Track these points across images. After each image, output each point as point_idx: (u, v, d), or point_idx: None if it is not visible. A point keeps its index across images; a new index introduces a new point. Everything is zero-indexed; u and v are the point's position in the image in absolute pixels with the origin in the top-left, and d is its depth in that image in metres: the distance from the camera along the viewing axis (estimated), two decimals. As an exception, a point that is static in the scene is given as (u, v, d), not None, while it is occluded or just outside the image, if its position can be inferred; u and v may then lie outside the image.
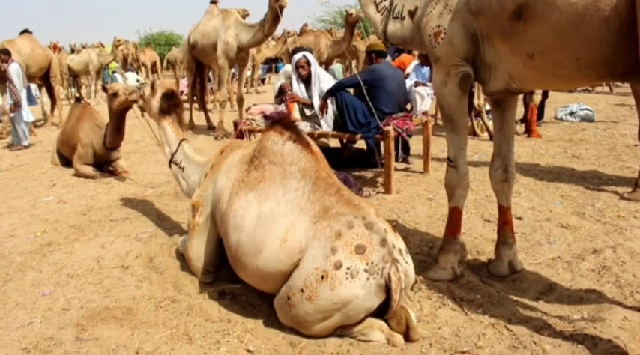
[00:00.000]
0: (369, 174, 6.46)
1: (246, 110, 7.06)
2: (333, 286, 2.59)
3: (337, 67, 16.98)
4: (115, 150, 6.71)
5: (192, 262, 3.56)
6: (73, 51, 18.93)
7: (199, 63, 10.39)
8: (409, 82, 6.98)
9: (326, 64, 13.23)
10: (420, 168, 6.49)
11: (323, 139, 6.70)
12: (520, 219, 4.53)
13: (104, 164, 6.81)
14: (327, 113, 6.10)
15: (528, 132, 8.50)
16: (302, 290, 2.66)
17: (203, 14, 9.80)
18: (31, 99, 9.61)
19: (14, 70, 9.11)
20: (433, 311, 3.05)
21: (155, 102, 4.30)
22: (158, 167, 7.02)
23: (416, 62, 9.66)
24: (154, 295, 3.33)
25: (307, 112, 6.34)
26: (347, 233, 2.67)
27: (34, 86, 11.36)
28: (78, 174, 6.70)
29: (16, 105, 8.93)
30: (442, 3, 3.11)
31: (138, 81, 17.38)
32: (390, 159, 5.56)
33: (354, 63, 16.64)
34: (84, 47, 18.24)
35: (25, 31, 10.91)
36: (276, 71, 22.31)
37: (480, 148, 7.64)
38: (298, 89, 6.33)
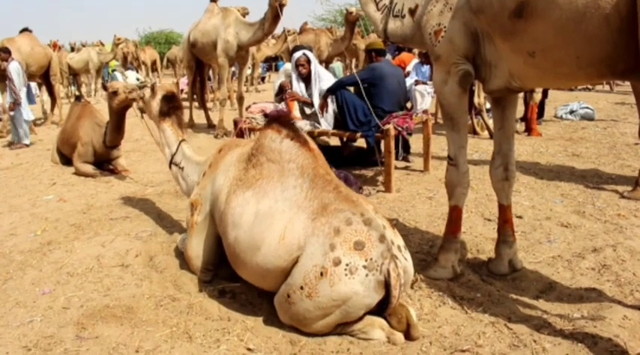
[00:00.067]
0: (369, 172, 6.45)
1: (247, 108, 7.06)
2: (332, 283, 2.59)
3: (337, 65, 16.98)
4: (115, 149, 6.71)
5: (191, 260, 3.57)
6: (72, 49, 18.93)
7: (199, 61, 10.38)
8: (409, 81, 6.97)
9: (326, 63, 13.23)
10: (420, 166, 6.49)
11: (323, 138, 6.69)
12: (520, 217, 4.52)
13: (104, 162, 6.81)
14: (327, 112, 6.10)
15: (528, 130, 8.50)
16: (301, 288, 2.66)
17: (203, 12, 9.79)
18: (31, 98, 9.58)
19: (14, 69, 9.11)
20: (433, 310, 3.05)
21: (155, 105, 4.32)
22: (158, 166, 7.02)
23: (416, 60, 9.66)
24: (154, 294, 3.33)
25: (307, 111, 6.34)
26: (345, 229, 2.67)
27: (33, 85, 11.35)
28: (78, 173, 6.70)
29: (15, 104, 8.92)
30: (442, 1, 3.11)
31: (138, 79, 17.41)
32: (390, 157, 5.55)
33: (353, 61, 16.62)
34: (84, 45, 18.21)
35: (25, 30, 10.90)
36: (276, 70, 22.30)
37: (480, 147, 7.64)
38: (298, 87, 6.33)
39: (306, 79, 6.30)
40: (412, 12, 3.47)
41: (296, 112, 6.23)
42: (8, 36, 10.69)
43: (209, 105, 12.28)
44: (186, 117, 7.30)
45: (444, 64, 3.17)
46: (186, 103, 11.17)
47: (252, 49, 11.57)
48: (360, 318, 2.72)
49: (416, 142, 6.93)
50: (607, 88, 15.00)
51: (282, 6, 7.79)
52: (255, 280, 3.05)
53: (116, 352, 2.72)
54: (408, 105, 6.67)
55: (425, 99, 6.70)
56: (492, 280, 3.43)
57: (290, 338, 2.78)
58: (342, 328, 2.75)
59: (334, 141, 7.14)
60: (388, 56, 9.77)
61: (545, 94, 9.45)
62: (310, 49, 6.63)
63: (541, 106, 9.26)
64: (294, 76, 6.38)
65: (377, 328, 2.73)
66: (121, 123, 6.31)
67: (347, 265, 2.60)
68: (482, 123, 8.59)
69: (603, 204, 4.90)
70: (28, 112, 9.20)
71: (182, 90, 14.97)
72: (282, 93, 6.53)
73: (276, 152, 3.06)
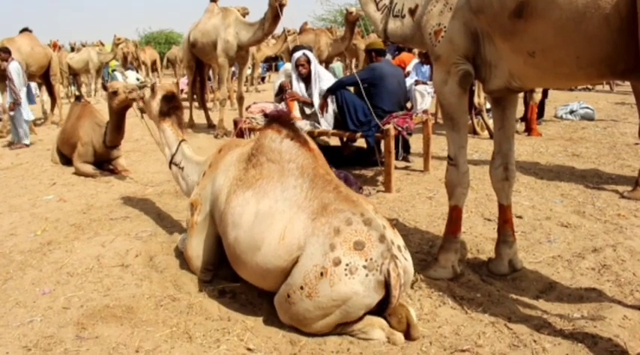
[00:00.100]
0: (369, 172, 6.45)
1: (246, 108, 7.06)
2: (332, 283, 2.59)
3: (337, 65, 16.97)
4: (115, 149, 6.71)
5: (191, 260, 3.57)
6: (72, 49, 18.92)
7: (199, 61, 10.38)
8: (409, 81, 6.97)
9: (326, 63, 13.22)
10: (420, 166, 6.49)
11: (323, 138, 6.69)
12: (520, 217, 4.52)
13: (104, 162, 6.81)
14: (327, 112, 6.10)
15: (528, 130, 8.50)
16: (302, 288, 2.66)
17: (203, 12, 9.79)
18: (31, 98, 9.58)
19: (14, 69, 9.11)
20: (433, 310, 3.05)
21: (155, 105, 4.33)
22: (158, 165, 7.02)
23: (416, 60, 9.66)
24: (154, 294, 3.33)
25: (307, 111, 6.34)
26: (345, 229, 2.67)
27: (33, 85, 11.35)
28: (78, 173, 6.70)
29: (15, 104, 8.92)
30: (442, 1, 3.11)
31: (138, 79, 17.41)
32: (390, 157, 5.55)
33: (353, 61, 16.62)
34: (84, 45, 18.21)
35: (25, 30, 10.90)
36: (276, 70, 22.30)
37: (480, 147, 7.64)
38: (298, 88, 6.33)
39: (306, 79, 6.30)
40: (412, 12, 3.47)
41: (296, 112, 6.23)
42: (8, 36, 10.70)
43: (209, 105, 12.28)
44: (186, 117, 7.32)
45: (444, 64, 3.17)
46: (186, 103, 11.16)
47: (252, 49, 11.57)
48: (360, 318, 2.72)
49: (416, 142, 6.93)
50: (607, 88, 15.00)
51: (282, 6, 7.79)
52: (255, 280, 3.05)
53: (116, 352, 2.72)
54: (408, 105, 6.68)
55: (425, 99, 6.70)
56: (492, 280, 3.43)
57: (290, 338, 2.78)
58: (342, 328, 2.75)
59: (334, 141, 7.14)
60: (388, 56, 9.77)
61: (545, 94, 9.45)
62: (310, 49, 6.63)
63: (541, 106, 9.26)
64: (294, 76, 6.38)
65: (377, 328, 2.73)
66: (120, 123, 6.31)
67: (347, 265, 2.60)
68: (482, 123, 8.59)
69: (603, 204, 4.90)
70: (28, 112, 9.20)
71: (182, 90, 14.95)
72: (282, 93, 6.53)
73: (276, 152, 3.06)
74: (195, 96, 11.16)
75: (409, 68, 9.37)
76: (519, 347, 2.65)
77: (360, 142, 6.54)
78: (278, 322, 2.90)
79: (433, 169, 6.36)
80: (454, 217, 3.48)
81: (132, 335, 2.86)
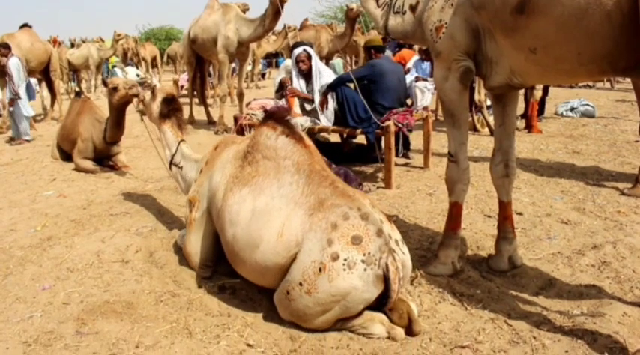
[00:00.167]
0: (369, 169, 6.45)
1: (247, 105, 7.05)
2: (331, 278, 2.59)
3: (338, 61, 16.93)
4: (115, 145, 6.70)
5: (190, 257, 3.58)
6: (72, 45, 18.91)
7: (200, 57, 10.36)
8: (410, 77, 6.96)
9: (326, 59, 13.20)
10: (421, 163, 6.49)
11: (323, 134, 6.69)
12: (520, 214, 4.53)
13: (104, 158, 6.80)
14: (327, 108, 6.09)
15: (529, 127, 8.49)
16: (300, 284, 2.66)
17: (203, 9, 9.77)
18: (31, 94, 9.58)
19: (14, 64, 9.09)
20: (433, 306, 3.05)
21: (155, 107, 4.35)
22: (158, 162, 6.96)
23: (416, 57, 9.64)
24: (154, 289, 3.34)
25: (307, 107, 6.33)
26: (343, 224, 2.67)
27: (34, 81, 11.33)
28: (78, 169, 6.70)
29: (14, 100, 8.91)
30: (443, -3, 3.10)
31: (138, 75, 17.38)
32: (391, 154, 5.55)
33: (353, 58, 16.59)
34: (84, 41, 18.20)
35: (25, 26, 10.88)
36: (277, 66, 22.28)
37: (481, 144, 7.64)
38: (298, 84, 6.32)
39: (307, 76, 6.29)
40: (413, 8, 3.46)
41: (296, 109, 6.22)
42: (8, 32, 10.68)
43: (209, 101, 12.27)
44: (186, 114, 7.32)
45: (445, 61, 3.16)
46: (186, 100, 11.21)
47: (253, 46, 11.56)
48: (360, 313, 2.73)
49: (416, 139, 6.93)
50: (607, 85, 14.99)
51: (282, 2, 7.79)
52: (254, 277, 3.05)
53: (116, 347, 2.72)
54: (409, 101, 6.67)
55: (425, 95, 6.70)
56: (492, 276, 3.43)
57: (290, 334, 2.79)
58: (342, 323, 2.75)
59: (334, 138, 7.14)
60: (389, 53, 9.77)
61: (545, 91, 9.43)
62: (311, 46, 6.62)
63: (541, 103, 9.25)
64: (294, 73, 6.37)
65: (377, 323, 2.73)
66: (121, 119, 6.31)
67: (345, 260, 2.60)
68: (482, 120, 8.57)
69: (603, 201, 4.90)
70: (28, 108, 9.19)
71: (182, 87, 14.95)
72: (282, 89, 6.52)
73: (272, 149, 3.06)
74: (195, 93, 11.16)
75: (409, 65, 9.36)
76: (519, 343, 2.65)
77: (361, 139, 6.54)
78: (278, 318, 2.91)
79: (433, 166, 6.37)
80: (454, 214, 3.48)
81: (132, 330, 2.86)
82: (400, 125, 5.69)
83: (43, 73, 11.16)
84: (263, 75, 21.62)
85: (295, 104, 6.27)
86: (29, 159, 7.61)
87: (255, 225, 2.86)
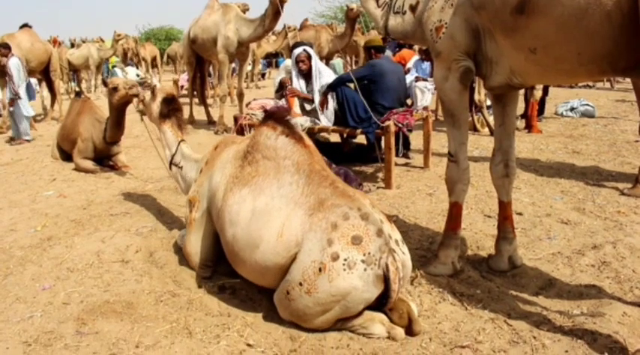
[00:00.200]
0: (369, 169, 6.45)
1: (247, 105, 7.05)
2: (331, 278, 2.59)
3: (338, 61, 16.93)
4: (115, 145, 6.70)
5: (190, 257, 3.58)
6: (72, 45, 18.90)
7: (200, 57, 10.37)
8: (410, 77, 6.96)
9: (326, 59, 13.20)
10: (421, 163, 6.49)
11: (323, 134, 6.69)
12: (520, 214, 4.53)
13: (104, 158, 6.81)
14: (327, 108, 6.09)
15: (529, 127, 8.49)
16: (300, 284, 2.66)
17: (203, 9, 9.77)
18: (31, 94, 9.58)
19: (14, 64, 9.09)
20: (433, 306, 3.05)
21: (155, 107, 4.36)
22: (158, 162, 6.96)
23: (416, 57, 9.64)
24: (154, 289, 3.34)
25: (308, 107, 6.33)
26: (343, 224, 2.67)
27: (34, 81, 11.34)
28: (78, 169, 6.70)
29: (14, 100, 8.91)
30: (443, -3, 3.10)
31: (138, 75, 17.38)
32: (391, 154, 5.55)
33: (353, 58, 16.59)
34: (84, 41, 18.19)
35: (25, 25, 10.88)
36: (277, 66, 22.28)
37: (481, 144, 7.64)
38: (298, 84, 6.32)
39: (307, 76, 6.29)
40: (413, 8, 3.46)
41: (296, 109, 6.22)
42: (8, 32, 10.68)
43: (209, 101, 12.27)
44: (186, 114, 7.32)
45: (445, 61, 3.16)
46: (186, 100, 11.21)
47: (253, 46, 11.56)
48: (360, 313, 2.73)
49: (416, 139, 6.93)
50: (607, 85, 14.99)
51: (282, 2, 7.79)
52: (254, 278, 3.05)
53: (116, 347, 2.72)
54: (409, 101, 6.67)
55: (425, 95, 6.69)
56: (492, 276, 3.43)
57: (290, 334, 2.78)
58: (342, 323, 2.75)
59: (334, 138, 7.14)
60: (389, 53, 9.77)
61: (545, 91, 9.43)
62: (311, 46, 6.62)
63: (541, 103, 9.25)
64: (294, 73, 6.37)
65: (377, 323, 2.73)
66: (121, 119, 6.31)
67: (345, 260, 2.60)
68: (482, 120, 8.58)
69: (603, 201, 4.90)
70: (28, 108, 9.19)
71: (182, 87, 14.94)
72: (282, 89, 6.52)
73: (272, 149, 3.06)
74: (195, 93, 11.16)
75: (409, 65, 9.36)
76: (519, 343, 2.65)
77: (361, 139, 6.54)
78: (278, 318, 2.91)
79: (433, 166, 6.37)
80: (454, 214, 3.48)
81: (132, 330, 2.86)
82: (400, 125, 5.69)
83: (43, 73, 11.16)
84: (263, 75, 21.62)
85: (295, 104, 6.27)
86: (29, 159, 7.61)
87: (255, 225, 2.86)
